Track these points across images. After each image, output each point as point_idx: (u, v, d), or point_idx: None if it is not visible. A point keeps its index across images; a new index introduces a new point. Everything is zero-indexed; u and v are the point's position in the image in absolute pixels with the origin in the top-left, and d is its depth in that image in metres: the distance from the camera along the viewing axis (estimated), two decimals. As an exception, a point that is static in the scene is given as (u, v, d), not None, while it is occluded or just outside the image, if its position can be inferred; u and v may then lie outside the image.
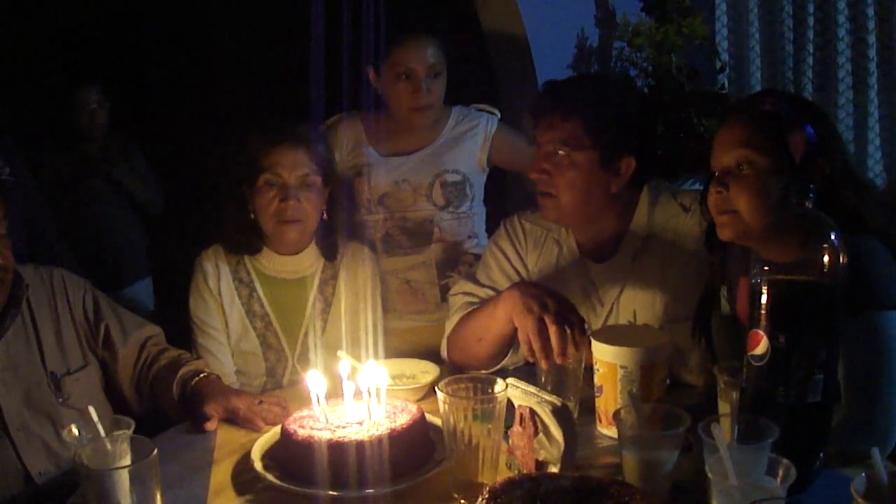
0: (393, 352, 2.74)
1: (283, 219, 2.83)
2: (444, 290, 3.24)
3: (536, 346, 2.22)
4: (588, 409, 2.24)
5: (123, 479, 1.69)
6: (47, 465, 2.48)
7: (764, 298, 1.78)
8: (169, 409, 2.60)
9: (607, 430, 2.17)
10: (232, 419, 2.39)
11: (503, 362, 2.58)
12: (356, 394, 2.12)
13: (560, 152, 2.49)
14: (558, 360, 2.21)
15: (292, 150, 2.84)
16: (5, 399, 2.46)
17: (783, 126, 2.09)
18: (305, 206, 2.84)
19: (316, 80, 2.87)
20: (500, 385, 1.93)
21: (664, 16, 4.06)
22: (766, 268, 1.79)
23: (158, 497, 1.73)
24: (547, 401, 1.88)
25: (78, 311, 2.69)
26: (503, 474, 1.91)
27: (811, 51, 4.29)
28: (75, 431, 1.94)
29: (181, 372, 2.60)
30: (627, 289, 2.57)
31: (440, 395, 1.90)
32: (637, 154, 2.52)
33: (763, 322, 1.79)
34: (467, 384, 1.97)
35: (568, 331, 2.21)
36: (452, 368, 2.60)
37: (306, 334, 2.95)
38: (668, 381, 2.20)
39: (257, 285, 2.96)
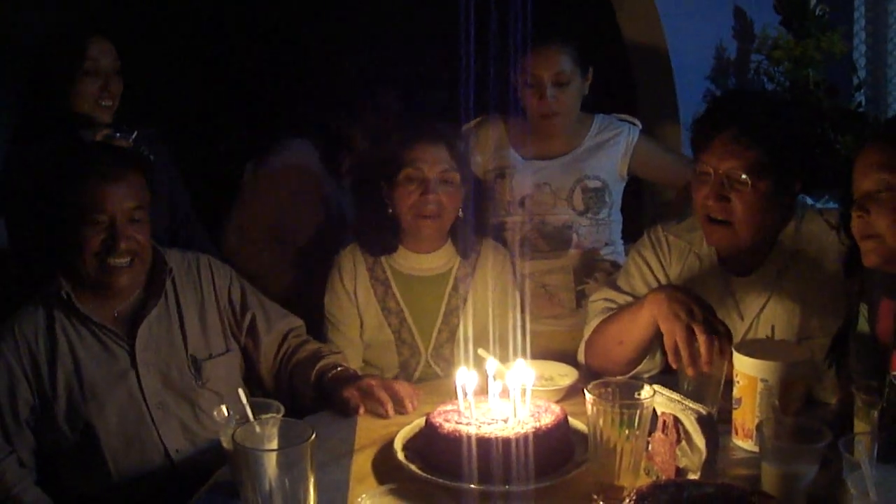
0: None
1: (421, 213, 2.90)
2: (580, 297, 3.31)
3: (685, 353, 2.24)
4: (721, 420, 2.22)
5: (277, 461, 1.77)
6: (184, 443, 2.60)
7: (907, 320, 1.79)
8: (305, 399, 2.69)
9: (742, 443, 2.19)
10: (371, 409, 2.46)
11: (638, 368, 2.58)
12: (502, 392, 2.18)
13: (743, 177, 2.44)
14: (705, 369, 2.21)
15: (433, 146, 2.91)
16: (146, 378, 2.58)
17: None
18: (444, 201, 2.90)
19: (462, 82, 2.94)
20: (647, 391, 1.96)
21: (803, 30, 4.03)
22: (909, 290, 1.79)
23: (311, 479, 1.80)
24: (692, 409, 1.92)
25: (223, 297, 2.79)
26: (641, 479, 1.95)
27: (949, 69, 4.23)
28: (225, 411, 2.05)
29: (319, 365, 2.69)
30: (770, 303, 2.56)
31: (589, 397, 1.94)
32: (803, 175, 2.52)
33: (905, 343, 1.79)
34: (614, 388, 2.00)
35: (715, 339, 2.23)
36: (588, 373, 2.61)
37: (440, 330, 3.01)
38: (805, 398, 2.20)
39: (392, 283, 3.02)
